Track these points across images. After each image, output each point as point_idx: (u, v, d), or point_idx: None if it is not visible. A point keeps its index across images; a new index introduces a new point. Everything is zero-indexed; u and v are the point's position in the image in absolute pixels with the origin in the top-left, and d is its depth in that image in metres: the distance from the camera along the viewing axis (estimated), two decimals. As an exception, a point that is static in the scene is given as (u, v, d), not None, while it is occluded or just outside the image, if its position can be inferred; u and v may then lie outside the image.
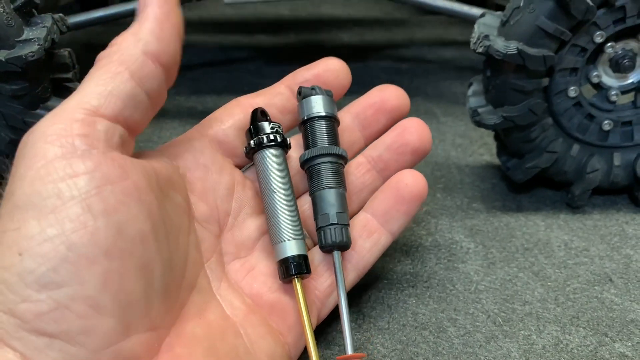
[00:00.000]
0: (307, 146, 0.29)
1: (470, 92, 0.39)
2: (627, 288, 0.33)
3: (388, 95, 0.31)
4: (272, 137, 0.28)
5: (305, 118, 0.30)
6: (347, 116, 0.31)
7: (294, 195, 0.28)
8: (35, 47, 0.33)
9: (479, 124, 0.37)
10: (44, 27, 0.34)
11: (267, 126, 0.28)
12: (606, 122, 0.37)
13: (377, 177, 0.31)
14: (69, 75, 0.37)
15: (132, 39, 0.23)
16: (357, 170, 0.31)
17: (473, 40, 0.35)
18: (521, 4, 0.34)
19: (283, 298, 0.27)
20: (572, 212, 0.39)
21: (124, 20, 0.66)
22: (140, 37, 0.23)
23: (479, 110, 0.37)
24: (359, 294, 0.33)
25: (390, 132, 0.31)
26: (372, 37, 0.68)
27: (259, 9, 0.76)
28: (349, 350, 0.26)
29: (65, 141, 0.20)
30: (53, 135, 0.21)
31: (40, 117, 0.35)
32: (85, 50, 0.66)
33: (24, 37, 0.34)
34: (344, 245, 0.28)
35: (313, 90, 0.30)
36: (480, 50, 0.34)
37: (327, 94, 0.30)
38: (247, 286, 0.27)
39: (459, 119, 0.51)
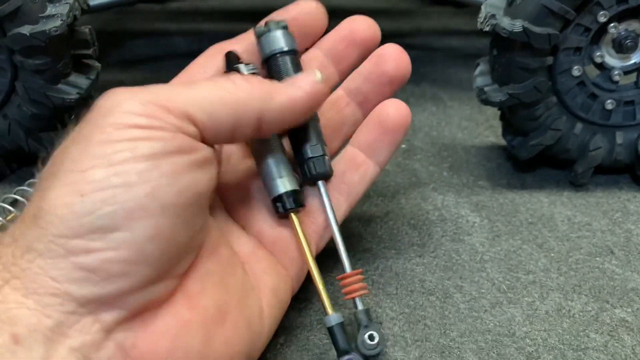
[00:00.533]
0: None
1: (477, 71, 0.40)
2: (628, 259, 0.34)
3: (357, 27, 0.30)
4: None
5: (267, 55, 0.29)
6: (319, 52, 0.31)
7: (279, 136, 0.29)
8: (58, 23, 0.35)
9: (486, 101, 0.38)
10: (67, 3, 0.36)
11: (243, 68, 0.28)
12: (609, 101, 0.38)
13: (357, 110, 0.31)
14: (89, 52, 0.39)
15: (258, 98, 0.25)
16: (336, 105, 0.31)
17: (480, 19, 0.37)
18: (527, -16, 0.35)
19: (284, 233, 0.28)
20: (575, 189, 0.40)
21: (139, 7, 0.68)
22: (267, 108, 0.25)
23: (486, 89, 0.38)
24: (367, 262, 0.34)
25: (367, 62, 0.31)
26: (380, 26, 0.69)
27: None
28: (347, 269, 0.27)
29: (151, 112, 0.22)
30: (145, 105, 0.22)
31: (61, 91, 0.37)
32: (99, 35, 0.68)
33: (47, 12, 0.35)
34: (325, 175, 0.29)
35: (267, 27, 0.29)
36: (487, 28, 0.36)
37: (283, 27, 0.29)
38: (249, 224, 0.29)
39: (465, 103, 0.52)
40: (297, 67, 0.29)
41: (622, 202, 0.39)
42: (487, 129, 0.48)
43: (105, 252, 0.20)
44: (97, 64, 0.40)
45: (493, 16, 0.35)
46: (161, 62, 0.60)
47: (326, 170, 0.29)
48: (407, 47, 0.65)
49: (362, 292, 0.27)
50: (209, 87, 0.24)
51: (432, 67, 0.59)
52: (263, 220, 0.29)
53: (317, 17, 0.30)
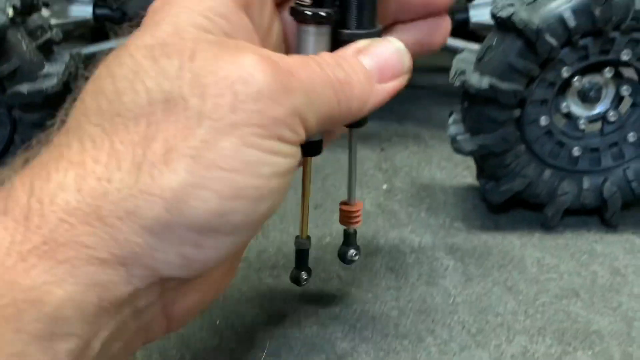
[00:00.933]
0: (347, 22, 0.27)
1: (451, 120, 0.42)
2: (592, 302, 0.36)
3: None
4: (324, 14, 0.25)
5: None
6: None
7: None
8: (54, 81, 0.37)
9: (458, 150, 0.40)
10: (63, 62, 0.38)
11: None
12: (576, 148, 0.41)
13: None
14: (84, 105, 0.41)
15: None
16: None
17: (451, 74, 0.39)
18: (493, 43, 0.37)
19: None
20: (545, 231, 0.42)
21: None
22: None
23: (458, 137, 0.40)
24: (346, 306, 0.36)
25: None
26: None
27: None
28: (352, 200, 0.32)
29: (294, 124, 0.23)
30: (290, 116, 0.22)
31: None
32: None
33: (44, 71, 0.38)
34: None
35: None
36: (457, 84, 0.38)
37: None
38: None
39: (445, 142, 0.53)
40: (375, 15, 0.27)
41: (589, 243, 0.41)
42: (465, 169, 0.50)
43: (211, 251, 0.22)
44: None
45: (463, 72, 0.38)
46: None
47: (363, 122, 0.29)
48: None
49: (356, 221, 0.32)
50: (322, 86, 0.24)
51: (416, 106, 0.61)
52: None
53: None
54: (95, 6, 0.56)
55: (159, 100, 0.21)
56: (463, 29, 0.58)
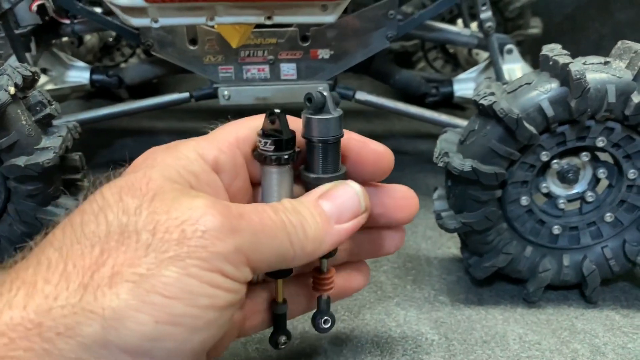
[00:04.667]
0: (312, 166, 0.30)
1: (435, 195, 0.43)
2: (573, 382, 0.37)
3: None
4: (286, 156, 0.28)
5: (314, 138, 0.29)
6: None
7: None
8: (51, 155, 0.38)
9: (442, 227, 0.41)
10: (60, 136, 0.39)
11: (284, 143, 0.28)
12: (556, 226, 0.42)
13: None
14: (79, 176, 0.42)
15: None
16: None
17: (435, 155, 0.41)
18: (476, 127, 0.39)
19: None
20: (527, 306, 0.43)
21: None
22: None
23: (442, 214, 0.41)
24: (331, 384, 0.36)
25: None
26: (355, 128, 0.73)
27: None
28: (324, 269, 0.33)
29: (237, 261, 0.25)
30: (235, 254, 0.25)
31: (50, 213, 0.40)
32: (89, 134, 0.71)
33: (41, 145, 0.39)
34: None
35: (321, 99, 0.29)
36: (440, 164, 0.40)
37: (336, 101, 0.30)
38: None
39: (430, 211, 0.55)
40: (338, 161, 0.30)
41: (570, 319, 0.42)
42: (450, 239, 0.51)
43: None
44: (86, 184, 0.43)
45: (446, 154, 0.39)
46: (147, 163, 0.63)
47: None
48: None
49: (328, 288, 0.33)
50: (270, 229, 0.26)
51: (402, 172, 0.63)
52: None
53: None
54: (92, 72, 0.58)
55: (115, 231, 0.23)
56: (447, 101, 0.60)
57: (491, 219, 0.40)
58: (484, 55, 0.67)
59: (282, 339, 0.34)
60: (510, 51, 0.53)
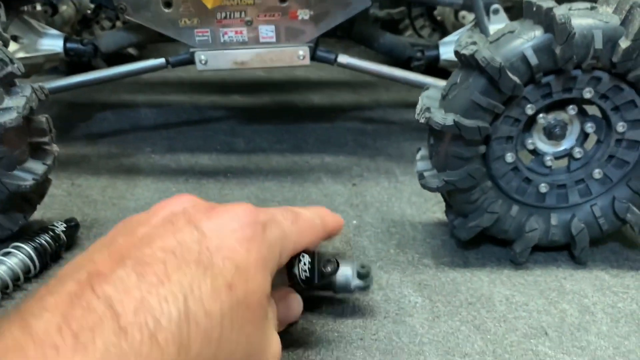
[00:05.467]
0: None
1: (418, 156, 0.42)
2: (561, 341, 0.36)
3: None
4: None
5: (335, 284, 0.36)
6: None
7: None
8: (14, 115, 0.36)
9: (425, 186, 0.40)
10: (24, 96, 0.38)
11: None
12: (543, 185, 0.41)
13: None
14: (46, 139, 0.40)
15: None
16: None
17: (417, 111, 0.39)
18: (458, 80, 0.37)
19: None
20: (514, 268, 0.42)
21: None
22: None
23: (425, 173, 0.40)
24: (310, 346, 0.35)
25: None
26: (341, 99, 0.72)
27: (236, 71, 0.80)
28: None
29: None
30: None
31: (16, 177, 0.38)
32: (69, 108, 0.70)
33: (4, 105, 0.37)
34: None
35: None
36: (422, 121, 0.38)
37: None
38: None
39: (416, 178, 0.54)
40: None
41: (558, 280, 0.41)
42: (435, 204, 0.50)
43: None
44: (55, 149, 0.41)
45: (428, 109, 0.38)
46: (126, 135, 0.62)
47: None
48: (366, 120, 0.68)
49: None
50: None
51: (388, 141, 0.61)
52: None
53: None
54: (65, 40, 0.56)
55: None
56: (433, 65, 0.59)
57: (475, 177, 0.39)
58: (470, 18, 0.65)
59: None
60: (496, 11, 0.52)
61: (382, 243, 0.45)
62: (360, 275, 0.36)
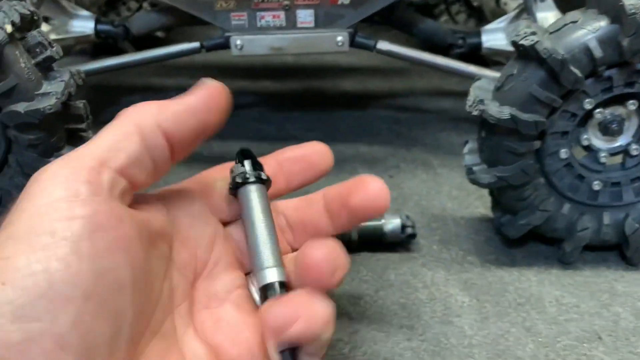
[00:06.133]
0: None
1: (466, 149, 0.40)
2: (615, 346, 0.34)
3: (365, 192, 0.30)
4: (255, 174, 0.30)
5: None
6: (321, 201, 0.31)
7: (274, 228, 0.30)
8: (53, 101, 0.35)
9: (474, 181, 0.38)
10: (62, 81, 0.36)
11: (249, 164, 0.30)
12: (596, 182, 0.39)
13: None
14: (83, 125, 0.39)
15: (155, 109, 0.25)
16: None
17: (469, 103, 0.37)
18: (515, 72, 0.36)
19: (244, 353, 0.27)
20: (563, 267, 0.41)
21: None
22: (161, 112, 0.25)
23: (474, 168, 0.38)
24: (355, 346, 0.34)
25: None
26: (373, 85, 0.70)
27: (264, 56, 0.78)
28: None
29: (70, 185, 0.22)
30: (61, 178, 0.22)
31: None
32: (95, 91, 0.68)
33: (42, 90, 0.36)
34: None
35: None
36: (475, 113, 0.36)
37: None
38: (211, 336, 0.27)
39: (455, 170, 0.52)
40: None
41: (609, 282, 0.39)
42: (477, 199, 0.48)
43: (26, 343, 0.20)
44: (91, 136, 0.40)
45: (481, 101, 0.36)
46: (156, 120, 0.60)
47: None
48: (400, 108, 0.66)
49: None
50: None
51: (424, 131, 0.59)
52: (226, 335, 0.27)
53: (324, 157, 0.32)
54: (97, 22, 0.55)
55: None
56: (474, 53, 0.57)
57: (528, 173, 0.37)
58: (512, 5, 0.63)
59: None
60: (544, -2, 0.50)
61: (424, 239, 0.43)
62: (407, 225, 0.41)
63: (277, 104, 0.66)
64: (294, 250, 0.31)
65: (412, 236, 0.41)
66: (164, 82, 0.69)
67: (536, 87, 0.35)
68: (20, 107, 0.35)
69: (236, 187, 0.30)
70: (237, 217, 0.31)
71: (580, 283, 0.39)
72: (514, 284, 0.39)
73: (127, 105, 0.26)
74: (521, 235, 0.41)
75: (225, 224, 0.31)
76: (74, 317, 0.21)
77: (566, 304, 0.37)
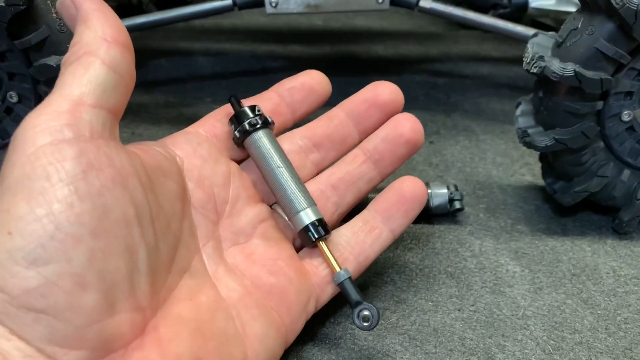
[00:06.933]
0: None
1: (518, 111, 0.38)
2: (681, 320, 0.32)
3: (381, 91, 0.32)
4: (260, 119, 0.30)
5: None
6: (341, 113, 0.33)
7: (292, 167, 0.30)
8: (85, 55, 0.33)
9: (529, 145, 0.36)
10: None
11: (250, 111, 0.30)
12: (659, 147, 0.36)
13: (373, 168, 0.32)
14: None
15: (88, 32, 0.24)
16: (354, 161, 0.32)
17: (526, 60, 0.35)
18: (579, 25, 0.33)
19: (282, 280, 0.28)
20: (618, 237, 0.38)
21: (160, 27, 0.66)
22: (94, 28, 0.24)
23: (529, 131, 0.36)
24: (403, 315, 0.32)
25: (385, 126, 0.32)
26: (407, 50, 0.68)
27: (292, 19, 0.75)
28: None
29: (54, 129, 0.22)
30: (42, 125, 0.22)
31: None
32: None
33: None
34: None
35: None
36: (534, 70, 0.34)
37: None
38: (246, 270, 0.28)
39: (498, 137, 0.50)
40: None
41: (670, 253, 0.37)
42: (523, 166, 0.46)
43: (46, 286, 0.20)
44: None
45: (541, 57, 0.34)
46: (184, 84, 0.59)
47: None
48: (436, 73, 0.63)
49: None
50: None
51: (463, 96, 0.57)
52: (261, 266, 0.28)
53: (324, 83, 0.33)
54: (124, -21, 0.52)
55: None
56: (517, 14, 0.54)
57: (588, 136, 0.35)
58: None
59: (363, 311, 0.28)
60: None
61: (470, 207, 0.41)
62: (455, 198, 0.38)
63: (307, 68, 0.63)
64: (320, 171, 0.32)
65: (460, 210, 0.39)
66: (190, 46, 0.67)
67: (604, 41, 0.32)
68: (52, 60, 0.33)
69: (244, 136, 0.30)
70: (246, 156, 0.31)
71: (637, 254, 0.37)
72: (567, 254, 0.37)
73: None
74: (572, 205, 0.38)
75: (236, 160, 0.31)
76: (87, 255, 0.21)
77: (624, 276, 0.35)
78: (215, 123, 0.31)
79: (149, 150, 0.26)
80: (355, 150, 0.33)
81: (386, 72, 0.62)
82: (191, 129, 0.30)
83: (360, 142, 0.33)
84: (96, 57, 0.23)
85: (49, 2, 0.33)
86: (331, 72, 0.62)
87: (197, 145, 0.29)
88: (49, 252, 0.20)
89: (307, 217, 0.29)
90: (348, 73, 0.61)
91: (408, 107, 0.57)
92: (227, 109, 0.31)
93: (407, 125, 0.32)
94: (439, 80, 0.60)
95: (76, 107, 0.22)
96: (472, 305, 0.33)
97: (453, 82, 0.60)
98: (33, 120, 0.22)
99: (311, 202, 0.29)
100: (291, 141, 0.32)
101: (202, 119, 0.31)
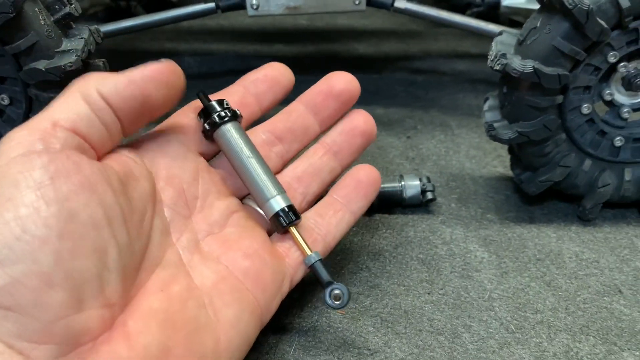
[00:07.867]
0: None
1: (486, 106, 0.40)
2: (636, 299, 0.34)
3: (335, 81, 0.34)
4: (229, 112, 0.31)
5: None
6: (300, 105, 0.35)
7: (262, 157, 0.31)
8: (73, 58, 0.35)
9: (495, 138, 0.38)
10: (82, 38, 0.36)
11: (218, 104, 0.31)
12: (618, 138, 0.39)
13: (333, 159, 0.35)
14: (103, 84, 0.39)
15: (96, 78, 0.26)
16: (315, 154, 0.35)
17: (490, 57, 0.37)
18: (538, 25, 0.35)
19: (257, 262, 0.29)
20: (583, 224, 0.41)
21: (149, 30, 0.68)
22: (103, 81, 0.26)
23: (495, 124, 0.38)
24: (376, 299, 0.34)
25: (341, 121, 0.35)
26: (388, 48, 0.70)
27: (277, 19, 0.77)
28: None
29: (27, 143, 0.23)
30: (18, 139, 0.23)
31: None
32: (109, 56, 0.68)
33: (62, 47, 0.36)
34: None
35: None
36: (497, 67, 0.36)
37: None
38: (222, 255, 0.29)
39: (473, 130, 0.52)
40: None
41: (629, 238, 0.39)
42: (495, 158, 0.48)
43: (13, 284, 0.21)
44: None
45: (504, 55, 0.36)
46: (171, 84, 0.60)
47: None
48: (416, 71, 0.66)
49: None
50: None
51: (441, 93, 0.59)
52: (236, 250, 0.29)
53: (286, 74, 0.34)
54: (111, -17, 0.54)
55: None
56: (492, 12, 0.56)
57: (550, 129, 0.37)
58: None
59: (334, 290, 0.30)
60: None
61: (443, 197, 0.43)
62: (427, 189, 0.41)
63: (291, 67, 0.65)
64: (285, 162, 0.34)
65: (432, 200, 0.41)
66: (177, 47, 0.69)
67: (560, 39, 0.34)
68: (41, 64, 0.35)
69: (213, 129, 0.31)
70: (216, 151, 0.32)
71: (600, 239, 0.39)
72: (533, 240, 0.39)
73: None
74: (540, 193, 0.41)
75: (205, 158, 0.32)
76: (54, 255, 0.22)
77: (586, 260, 0.38)
78: (183, 119, 0.31)
79: (118, 158, 0.27)
80: (316, 145, 0.35)
81: (368, 70, 0.64)
82: (159, 127, 0.31)
83: (321, 132, 0.35)
84: (84, 99, 0.25)
85: (36, 9, 0.35)
86: (314, 70, 0.64)
87: (166, 144, 0.30)
88: (16, 253, 0.21)
89: (278, 204, 0.30)
90: (331, 71, 0.63)
91: (387, 104, 0.59)
92: (194, 105, 0.32)
93: (361, 119, 0.34)
94: (418, 78, 0.62)
95: (52, 127, 0.24)
96: (441, 289, 0.35)
97: (432, 79, 0.62)
98: (12, 135, 0.24)
99: (281, 190, 0.31)
100: (255, 136, 0.33)
101: (171, 117, 0.32)
